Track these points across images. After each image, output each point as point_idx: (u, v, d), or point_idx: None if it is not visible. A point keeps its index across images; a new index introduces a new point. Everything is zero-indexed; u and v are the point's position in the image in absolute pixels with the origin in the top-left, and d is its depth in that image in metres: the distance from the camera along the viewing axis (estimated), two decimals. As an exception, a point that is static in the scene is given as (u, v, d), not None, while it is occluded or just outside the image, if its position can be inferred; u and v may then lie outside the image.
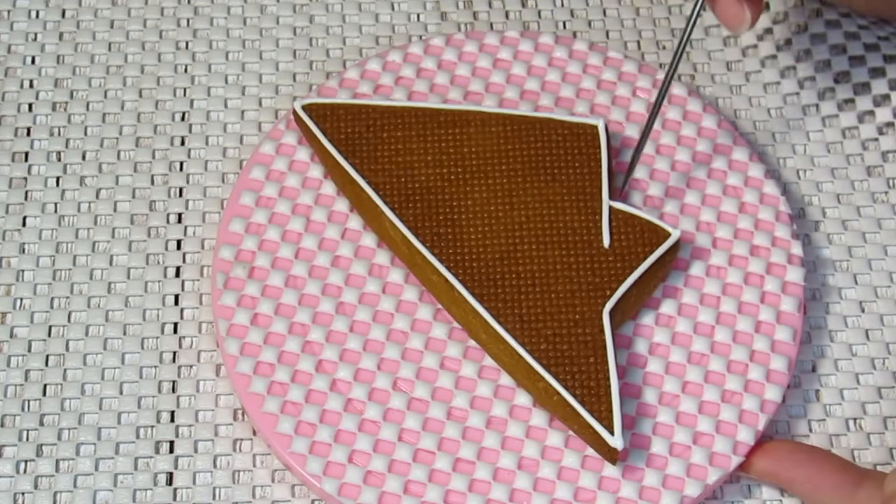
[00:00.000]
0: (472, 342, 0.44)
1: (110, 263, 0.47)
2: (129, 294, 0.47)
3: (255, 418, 0.43)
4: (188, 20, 0.53)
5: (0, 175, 0.49)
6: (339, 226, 0.46)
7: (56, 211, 0.48)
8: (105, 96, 0.51)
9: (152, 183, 0.49)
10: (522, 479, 0.42)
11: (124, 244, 0.48)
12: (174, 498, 0.43)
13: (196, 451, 0.44)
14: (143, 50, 0.52)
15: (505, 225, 0.45)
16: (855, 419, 0.46)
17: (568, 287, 0.44)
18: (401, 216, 0.45)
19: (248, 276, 0.45)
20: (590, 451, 0.43)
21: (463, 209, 0.45)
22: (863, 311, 0.47)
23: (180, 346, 0.46)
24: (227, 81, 0.51)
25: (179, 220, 0.48)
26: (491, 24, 0.53)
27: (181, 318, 0.46)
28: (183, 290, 0.47)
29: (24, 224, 0.48)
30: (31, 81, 0.51)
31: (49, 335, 0.46)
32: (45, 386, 0.45)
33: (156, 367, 0.45)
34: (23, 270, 0.47)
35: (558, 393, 0.42)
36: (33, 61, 0.52)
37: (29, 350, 0.46)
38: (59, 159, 0.49)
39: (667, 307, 0.45)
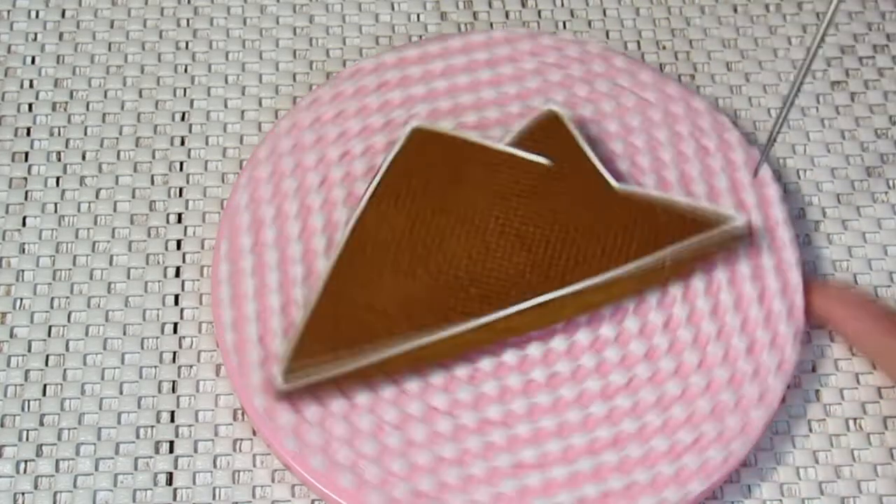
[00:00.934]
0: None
1: (110, 263, 0.47)
2: (129, 294, 0.47)
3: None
4: (188, 20, 0.53)
5: (0, 175, 0.49)
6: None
7: (56, 211, 0.48)
8: (105, 96, 0.51)
9: (152, 183, 0.49)
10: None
11: (124, 244, 0.48)
12: (174, 498, 0.43)
13: (196, 451, 0.44)
14: (143, 50, 0.52)
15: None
16: (855, 419, 0.46)
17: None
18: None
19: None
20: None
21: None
22: (863, 311, 0.47)
23: (180, 346, 0.46)
24: (227, 81, 0.51)
25: (179, 220, 0.48)
26: (491, 24, 0.53)
27: (181, 318, 0.46)
28: (183, 290, 0.47)
29: (24, 224, 0.48)
30: (31, 81, 0.51)
31: (49, 335, 0.46)
32: (45, 386, 0.45)
33: (156, 367, 0.45)
34: (23, 270, 0.47)
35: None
36: (33, 61, 0.52)
37: (29, 350, 0.46)
38: (59, 159, 0.49)
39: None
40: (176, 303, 0.47)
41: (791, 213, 0.49)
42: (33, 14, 0.53)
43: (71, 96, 0.51)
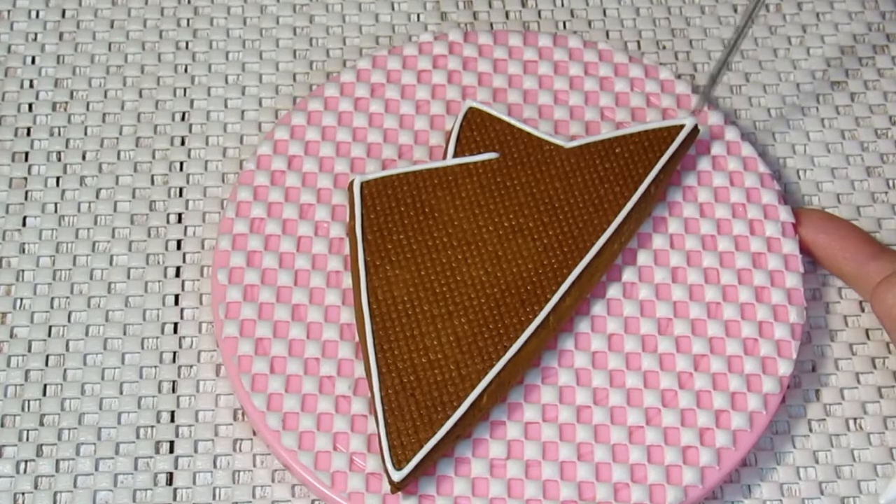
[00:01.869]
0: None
1: (110, 263, 0.47)
2: (129, 294, 0.47)
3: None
4: (188, 20, 0.53)
5: (0, 175, 0.49)
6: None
7: (56, 211, 0.48)
8: (105, 96, 0.51)
9: (152, 183, 0.49)
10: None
11: (124, 244, 0.48)
12: (174, 498, 0.43)
13: (196, 451, 0.44)
14: (143, 50, 0.52)
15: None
16: (855, 419, 0.45)
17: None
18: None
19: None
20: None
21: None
22: (863, 310, 0.47)
23: (180, 346, 0.46)
24: (227, 81, 0.51)
25: (179, 220, 0.48)
26: (491, 24, 0.53)
27: (181, 318, 0.46)
28: (183, 290, 0.47)
29: (24, 224, 0.48)
30: (31, 81, 0.51)
31: (49, 335, 0.46)
32: (45, 386, 0.45)
33: (156, 367, 0.45)
34: (23, 270, 0.47)
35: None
36: (33, 61, 0.52)
37: (29, 350, 0.46)
38: (59, 159, 0.49)
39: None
40: (176, 303, 0.47)
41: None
42: (33, 14, 0.53)
43: (71, 96, 0.51)
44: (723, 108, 0.51)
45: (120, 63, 0.52)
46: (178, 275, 0.47)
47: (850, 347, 0.47)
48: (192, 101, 0.51)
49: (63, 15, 0.53)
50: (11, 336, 0.46)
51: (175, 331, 0.46)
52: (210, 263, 0.47)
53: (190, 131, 0.50)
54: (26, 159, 0.49)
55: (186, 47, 0.52)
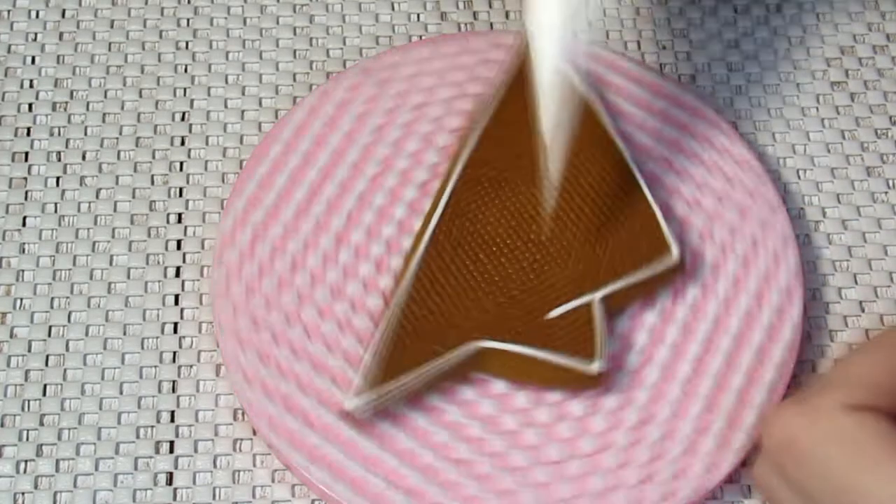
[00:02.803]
0: None
1: (110, 263, 0.47)
2: (129, 294, 0.47)
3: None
4: (188, 20, 0.53)
5: (0, 175, 0.49)
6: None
7: (56, 211, 0.48)
8: (105, 96, 0.51)
9: (152, 183, 0.49)
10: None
11: (124, 244, 0.48)
12: (174, 498, 0.43)
13: (196, 451, 0.44)
14: (143, 50, 0.52)
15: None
16: (855, 419, 0.45)
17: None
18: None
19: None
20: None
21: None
22: (863, 311, 0.47)
23: (180, 346, 0.46)
24: (227, 81, 0.51)
25: (179, 220, 0.48)
26: (491, 24, 0.53)
27: (181, 318, 0.46)
28: (183, 290, 0.47)
29: (24, 224, 0.48)
30: (31, 81, 0.51)
31: (49, 335, 0.46)
32: (45, 386, 0.45)
33: (156, 367, 0.45)
34: (23, 270, 0.47)
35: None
36: (33, 61, 0.52)
37: (29, 350, 0.46)
38: (59, 159, 0.49)
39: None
40: (176, 303, 0.47)
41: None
42: (33, 14, 0.53)
43: (71, 96, 0.51)
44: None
45: (120, 63, 0.52)
46: (178, 275, 0.47)
47: (850, 348, 0.47)
48: (192, 101, 0.51)
49: (63, 15, 0.53)
50: (11, 336, 0.46)
51: (175, 331, 0.46)
52: (210, 263, 0.47)
53: (190, 131, 0.50)
54: (26, 159, 0.49)
55: (186, 47, 0.52)
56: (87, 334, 0.46)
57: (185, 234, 0.48)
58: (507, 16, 0.53)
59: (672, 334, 0.45)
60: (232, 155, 0.50)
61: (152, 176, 0.49)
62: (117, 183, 0.49)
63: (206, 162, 0.49)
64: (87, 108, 0.50)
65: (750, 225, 0.47)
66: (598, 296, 0.44)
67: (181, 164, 0.49)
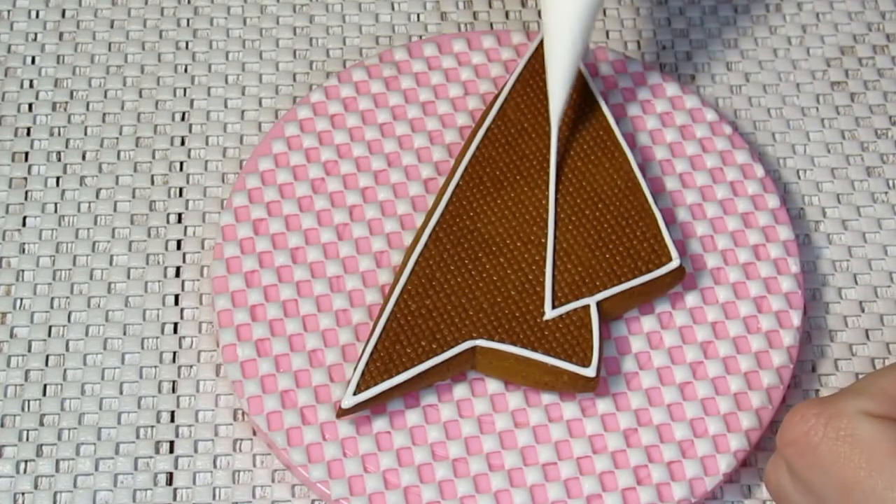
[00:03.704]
0: None
1: (110, 263, 0.47)
2: (129, 294, 0.47)
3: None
4: (188, 20, 0.53)
5: (0, 175, 0.49)
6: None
7: (56, 211, 0.48)
8: (105, 96, 0.51)
9: (152, 183, 0.49)
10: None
11: (124, 244, 0.48)
12: (174, 498, 0.43)
13: (196, 451, 0.44)
14: (143, 50, 0.52)
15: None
16: (855, 419, 0.45)
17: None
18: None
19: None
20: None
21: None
22: (863, 311, 0.47)
23: (180, 346, 0.46)
24: (227, 81, 0.51)
25: (179, 220, 0.48)
26: (491, 24, 0.53)
27: (181, 318, 0.46)
28: (183, 290, 0.47)
29: (24, 224, 0.48)
30: (31, 81, 0.51)
31: (49, 335, 0.46)
32: (45, 386, 0.45)
33: (156, 367, 0.45)
34: (23, 270, 0.47)
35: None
36: (33, 61, 0.52)
37: (29, 350, 0.46)
38: (59, 159, 0.49)
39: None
40: (176, 303, 0.47)
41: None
42: (33, 14, 0.53)
43: (71, 96, 0.51)
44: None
45: (120, 63, 0.52)
46: (178, 275, 0.47)
47: (850, 348, 0.47)
48: (192, 101, 0.51)
49: (63, 15, 0.53)
50: (11, 336, 0.46)
51: (175, 331, 0.46)
52: (210, 263, 0.47)
53: (190, 131, 0.50)
54: (26, 159, 0.49)
55: (186, 47, 0.52)
56: (87, 334, 0.46)
57: (185, 234, 0.48)
58: (506, 16, 0.53)
59: (669, 339, 0.45)
60: (232, 155, 0.50)
61: (152, 176, 0.49)
62: (117, 183, 0.49)
63: (206, 162, 0.49)
64: (87, 108, 0.50)
65: (751, 230, 0.47)
66: (595, 299, 0.44)
67: (181, 164, 0.49)
